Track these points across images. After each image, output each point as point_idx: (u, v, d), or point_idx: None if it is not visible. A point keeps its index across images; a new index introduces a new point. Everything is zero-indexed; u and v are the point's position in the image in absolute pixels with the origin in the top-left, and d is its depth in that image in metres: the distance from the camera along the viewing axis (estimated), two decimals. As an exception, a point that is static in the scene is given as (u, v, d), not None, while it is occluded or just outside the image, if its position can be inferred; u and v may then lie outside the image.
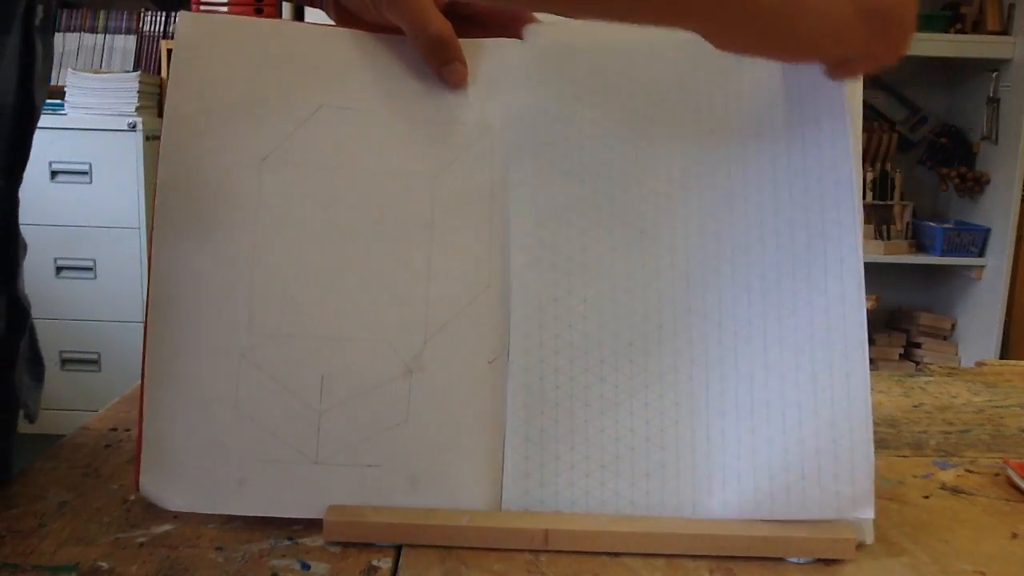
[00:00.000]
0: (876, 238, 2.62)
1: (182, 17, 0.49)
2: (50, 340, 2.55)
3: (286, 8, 2.32)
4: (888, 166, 2.69)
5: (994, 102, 2.55)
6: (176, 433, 0.46)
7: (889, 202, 2.67)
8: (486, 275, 0.49)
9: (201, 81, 0.48)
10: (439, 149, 0.49)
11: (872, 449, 0.46)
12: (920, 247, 2.66)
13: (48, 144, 2.41)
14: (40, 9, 0.53)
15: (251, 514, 0.46)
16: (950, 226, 2.61)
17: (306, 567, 0.42)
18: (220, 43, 0.49)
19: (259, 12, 2.54)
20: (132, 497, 0.49)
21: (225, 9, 2.54)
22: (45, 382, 0.64)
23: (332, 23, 0.53)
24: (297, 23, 0.52)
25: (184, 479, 0.46)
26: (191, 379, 0.47)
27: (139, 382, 0.47)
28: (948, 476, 0.57)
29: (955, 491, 0.54)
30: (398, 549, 0.45)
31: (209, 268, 0.47)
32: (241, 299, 0.47)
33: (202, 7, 2.54)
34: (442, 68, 0.49)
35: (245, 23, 0.49)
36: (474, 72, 0.50)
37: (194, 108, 0.48)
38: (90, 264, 2.51)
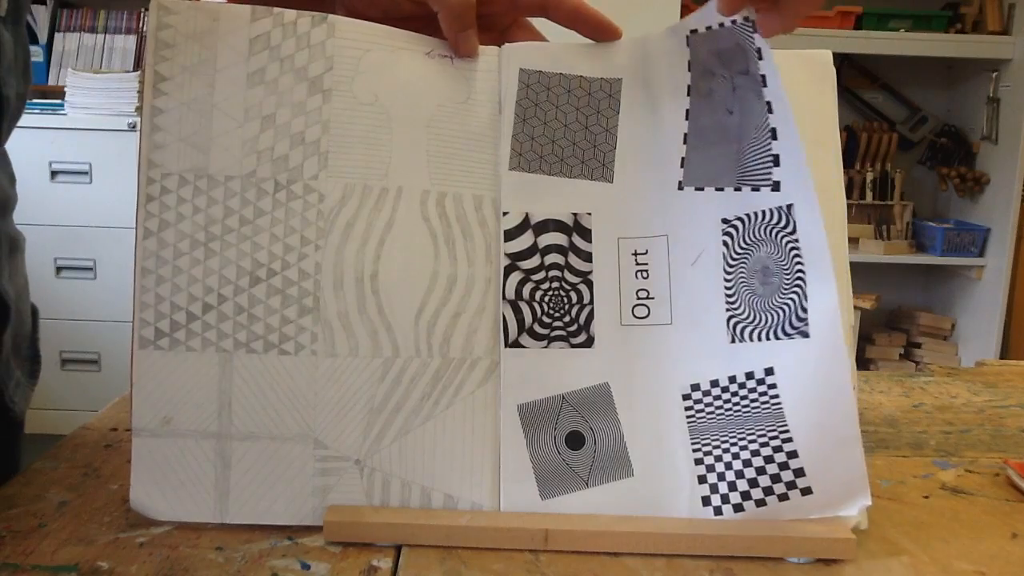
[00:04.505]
0: (876, 238, 2.63)
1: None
2: (50, 340, 2.55)
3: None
4: (888, 166, 2.69)
5: (994, 102, 2.56)
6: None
7: (889, 202, 2.67)
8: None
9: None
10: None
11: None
12: (920, 247, 2.66)
13: (48, 144, 2.42)
14: (6, 0, 0.52)
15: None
16: (950, 226, 2.61)
17: (306, 567, 0.42)
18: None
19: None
20: (132, 497, 0.49)
21: (231, 4, 2.54)
22: (44, 382, 0.64)
23: None
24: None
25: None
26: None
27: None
28: (948, 476, 0.57)
29: (955, 491, 0.54)
30: (398, 549, 0.45)
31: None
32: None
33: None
34: (459, 35, 0.49)
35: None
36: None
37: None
38: (90, 264, 2.51)
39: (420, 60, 0.49)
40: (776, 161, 0.45)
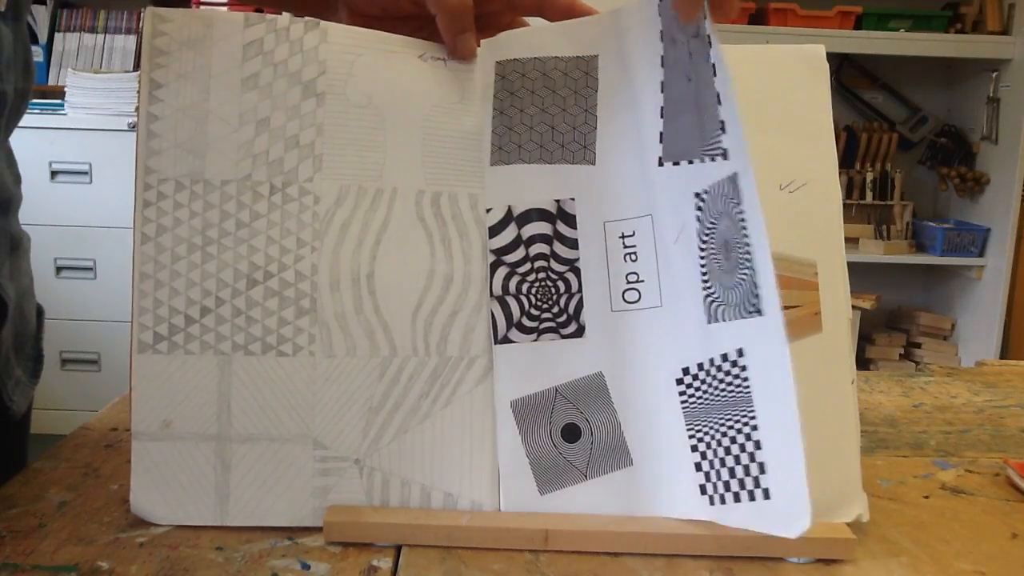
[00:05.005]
0: (876, 238, 2.62)
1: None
2: (50, 340, 2.55)
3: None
4: (888, 166, 2.69)
5: (994, 102, 2.56)
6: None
7: (889, 202, 2.67)
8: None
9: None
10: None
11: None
12: (920, 247, 2.66)
13: (48, 144, 2.42)
14: None
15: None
16: (950, 226, 2.61)
17: (306, 567, 0.42)
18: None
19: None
20: (132, 497, 0.49)
21: (225, 11, 2.55)
22: (44, 382, 0.64)
23: None
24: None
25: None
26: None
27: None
28: (948, 476, 0.57)
29: (955, 491, 0.54)
30: (398, 549, 0.45)
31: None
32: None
33: (202, 7, 2.54)
34: (457, 37, 0.49)
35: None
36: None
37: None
38: (90, 264, 2.51)
39: (413, 63, 0.49)
40: (723, 127, 0.43)
